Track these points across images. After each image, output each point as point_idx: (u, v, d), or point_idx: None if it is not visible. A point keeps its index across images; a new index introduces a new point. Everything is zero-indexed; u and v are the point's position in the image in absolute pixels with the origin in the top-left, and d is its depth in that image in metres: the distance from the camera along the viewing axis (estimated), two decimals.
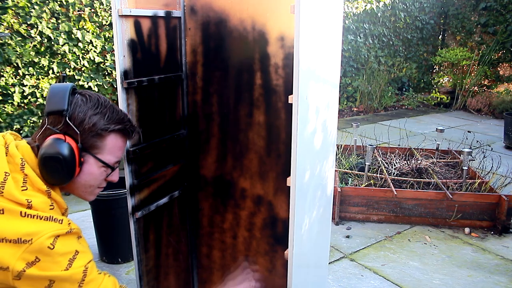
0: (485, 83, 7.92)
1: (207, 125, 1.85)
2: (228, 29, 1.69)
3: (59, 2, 3.87)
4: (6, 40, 3.61)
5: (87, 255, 1.07)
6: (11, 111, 3.71)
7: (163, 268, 1.83)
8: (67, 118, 1.06)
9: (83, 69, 4.11)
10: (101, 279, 1.09)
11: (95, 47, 4.15)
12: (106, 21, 4.20)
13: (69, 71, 3.99)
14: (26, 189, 1.02)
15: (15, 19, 3.66)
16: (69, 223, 1.06)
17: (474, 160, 3.90)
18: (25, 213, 0.99)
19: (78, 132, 1.07)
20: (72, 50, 4.01)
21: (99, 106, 1.11)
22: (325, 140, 1.51)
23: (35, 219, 1.00)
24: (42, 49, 3.80)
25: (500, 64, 7.80)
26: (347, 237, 2.93)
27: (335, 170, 3.37)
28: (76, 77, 4.04)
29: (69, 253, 1.02)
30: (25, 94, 3.76)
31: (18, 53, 3.65)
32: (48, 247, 0.98)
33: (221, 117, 1.82)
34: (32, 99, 3.82)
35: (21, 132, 3.76)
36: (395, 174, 3.50)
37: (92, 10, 4.09)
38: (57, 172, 1.06)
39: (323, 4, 1.36)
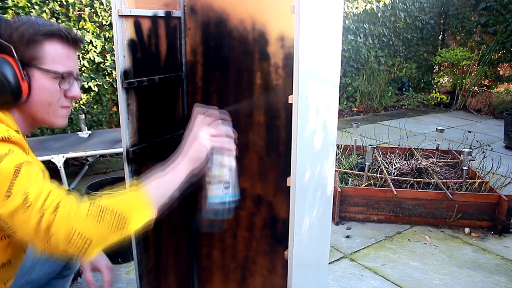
0: (485, 83, 7.92)
1: None
2: (228, 29, 1.69)
3: (59, 2, 3.87)
4: None
5: (26, 158, 0.99)
6: None
7: (163, 268, 1.83)
8: None
9: (83, 69, 4.11)
10: (41, 182, 0.97)
11: (95, 47, 4.15)
12: (106, 21, 4.20)
13: None
14: None
15: None
16: (8, 130, 1.00)
17: (474, 160, 3.90)
18: None
19: (10, 46, 1.03)
20: None
21: (28, 20, 1.07)
22: (325, 140, 1.51)
23: None
24: None
25: (500, 64, 7.80)
26: (347, 237, 2.93)
27: (335, 170, 3.37)
28: None
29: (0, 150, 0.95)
30: None
31: None
32: None
33: None
34: None
35: None
36: (395, 174, 3.50)
37: (92, 10, 4.09)
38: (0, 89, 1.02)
39: (323, 4, 1.36)
